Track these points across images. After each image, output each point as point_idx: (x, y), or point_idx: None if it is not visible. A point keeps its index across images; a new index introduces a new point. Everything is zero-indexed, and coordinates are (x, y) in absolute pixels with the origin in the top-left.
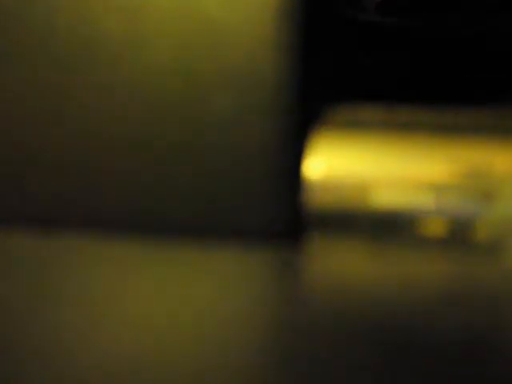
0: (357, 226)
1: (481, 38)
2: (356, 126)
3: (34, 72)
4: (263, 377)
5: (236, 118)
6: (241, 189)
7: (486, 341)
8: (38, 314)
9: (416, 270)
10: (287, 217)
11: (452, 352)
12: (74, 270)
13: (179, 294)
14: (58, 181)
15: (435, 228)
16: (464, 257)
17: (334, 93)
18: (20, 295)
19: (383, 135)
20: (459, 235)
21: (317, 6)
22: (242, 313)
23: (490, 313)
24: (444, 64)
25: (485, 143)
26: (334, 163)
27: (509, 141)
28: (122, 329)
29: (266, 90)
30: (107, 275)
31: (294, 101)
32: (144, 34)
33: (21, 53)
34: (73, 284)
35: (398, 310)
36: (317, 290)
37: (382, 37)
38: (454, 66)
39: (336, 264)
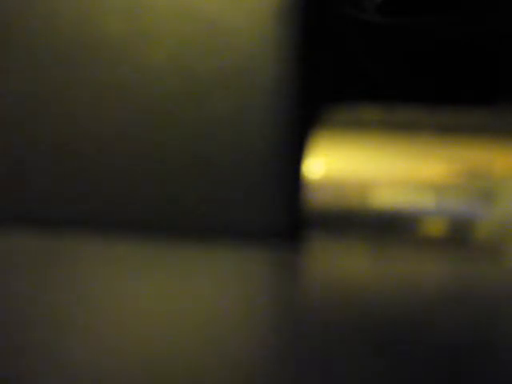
0: (357, 225)
1: (481, 38)
2: (356, 126)
3: (34, 71)
4: (263, 375)
5: (236, 117)
6: (241, 189)
7: (486, 340)
8: (38, 314)
9: (416, 270)
10: (287, 217)
11: (452, 351)
12: (74, 270)
13: (179, 293)
14: (58, 180)
15: (435, 228)
16: (464, 257)
17: (334, 93)
18: (20, 295)
19: (383, 135)
20: (459, 235)
21: (317, 6)
22: (241, 312)
23: (490, 312)
24: (444, 64)
25: (485, 143)
26: (333, 163)
27: (509, 141)
28: (122, 327)
29: (266, 90)
30: (107, 275)
31: (293, 101)
32: (144, 34)
33: (21, 52)
34: (73, 284)
35: (397, 310)
36: (317, 290)
37: (382, 37)
38: (454, 66)
39: (336, 264)
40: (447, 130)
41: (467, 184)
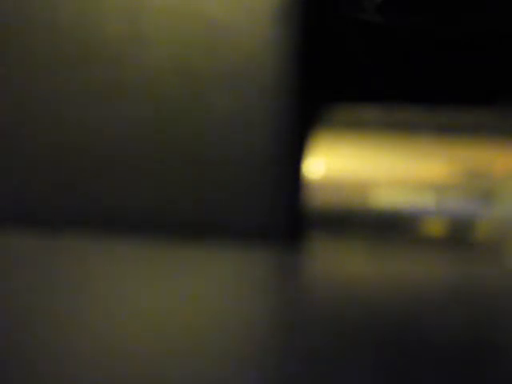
0: (357, 225)
1: (481, 38)
2: (356, 126)
3: (34, 72)
4: (263, 375)
5: (236, 117)
6: (241, 189)
7: (486, 340)
8: (38, 314)
9: (416, 270)
10: (287, 217)
11: (452, 352)
12: (73, 270)
13: (178, 293)
14: (58, 180)
15: (435, 228)
16: (464, 257)
17: (334, 93)
18: (20, 295)
19: (383, 135)
20: (459, 235)
21: (317, 6)
22: (241, 313)
23: (491, 313)
24: (444, 64)
25: (485, 143)
26: (333, 163)
27: (509, 141)
28: (122, 327)
29: (266, 90)
30: (107, 275)
31: (293, 101)
32: (144, 34)
33: (21, 52)
34: (72, 284)
35: (397, 310)
36: (317, 290)
37: (382, 37)
38: (454, 66)
39: (336, 264)
40: (447, 130)
41: (467, 184)
